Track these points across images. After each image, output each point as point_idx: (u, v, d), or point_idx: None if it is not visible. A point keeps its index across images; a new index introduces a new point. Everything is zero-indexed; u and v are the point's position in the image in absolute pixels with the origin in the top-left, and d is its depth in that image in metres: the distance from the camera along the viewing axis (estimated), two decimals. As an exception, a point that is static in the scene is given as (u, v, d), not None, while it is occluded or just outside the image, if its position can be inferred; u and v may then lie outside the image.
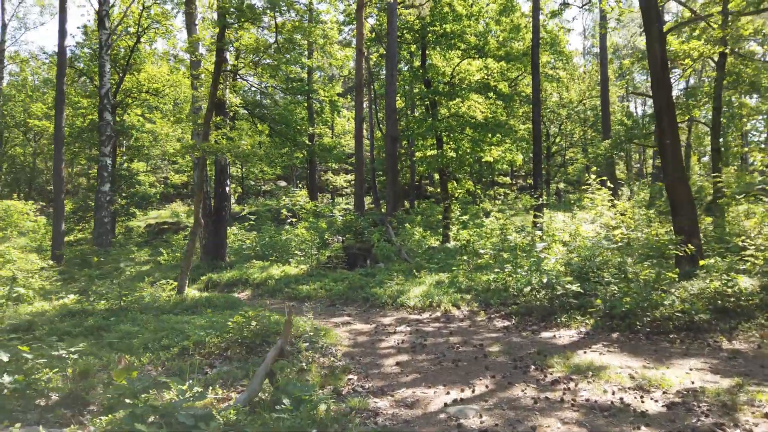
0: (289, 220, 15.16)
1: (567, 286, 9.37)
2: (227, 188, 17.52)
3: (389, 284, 12.17)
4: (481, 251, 12.24)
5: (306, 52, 32.02)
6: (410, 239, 20.53)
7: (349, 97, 41.45)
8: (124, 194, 28.78)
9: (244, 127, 32.44)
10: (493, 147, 24.65)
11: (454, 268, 13.12)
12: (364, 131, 48.74)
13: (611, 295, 9.54)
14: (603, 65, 29.15)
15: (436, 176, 48.24)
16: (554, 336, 8.37)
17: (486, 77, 24.69)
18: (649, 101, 48.03)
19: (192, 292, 13.09)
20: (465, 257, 13.25)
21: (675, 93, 36.34)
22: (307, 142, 31.76)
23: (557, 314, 9.32)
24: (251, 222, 19.74)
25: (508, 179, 39.72)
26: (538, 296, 10.18)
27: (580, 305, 9.44)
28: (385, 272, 13.59)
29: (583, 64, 41.54)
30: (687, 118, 20.30)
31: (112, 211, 28.65)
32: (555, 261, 11.29)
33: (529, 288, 10.38)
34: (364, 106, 48.74)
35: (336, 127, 43.09)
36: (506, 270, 11.39)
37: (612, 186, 25.35)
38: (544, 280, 9.39)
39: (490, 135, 24.06)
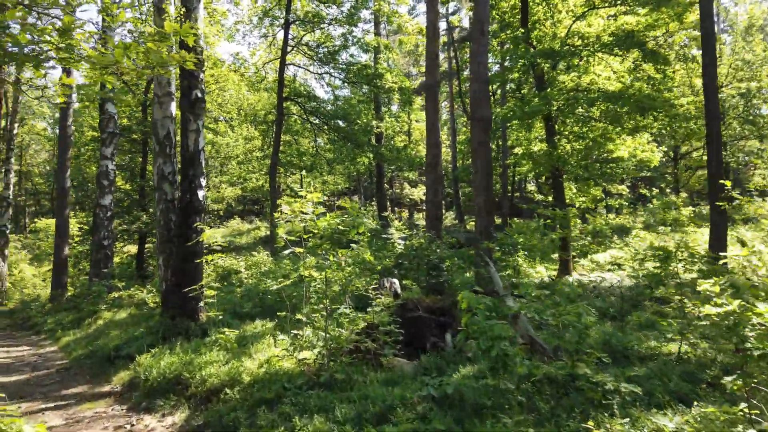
0: (290, 251, 6.63)
1: None
2: (200, 193, 9.33)
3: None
4: None
5: (372, 27, 23.79)
6: (516, 277, 11.60)
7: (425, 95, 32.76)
8: (152, 210, 21.57)
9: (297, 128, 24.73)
10: (635, 134, 15.21)
11: (702, 405, 4.05)
12: (445, 136, 39.94)
13: None
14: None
15: (529, 186, 38.44)
16: None
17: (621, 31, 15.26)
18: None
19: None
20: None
21: None
22: (372, 142, 23.47)
23: None
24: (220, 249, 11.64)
25: (623, 188, 29.44)
26: None
27: None
28: (482, 390, 4.70)
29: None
30: None
31: (138, 230, 21.52)
32: None
33: None
34: (445, 106, 39.98)
35: (414, 133, 34.52)
36: None
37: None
38: None
39: (629, 116, 14.71)
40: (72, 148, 22.33)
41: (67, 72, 15.41)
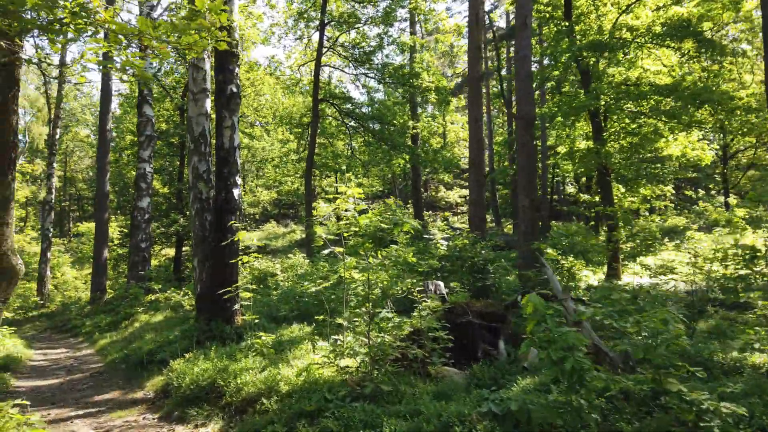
0: (329, 250, 6.12)
1: None
2: (236, 191, 8.94)
3: None
4: None
5: (407, 26, 23.28)
6: (571, 280, 10.92)
7: (461, 97, 32.05)
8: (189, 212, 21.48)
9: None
10: (689, 129, 14.34)
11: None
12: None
13: None
14: None
15: (570, 188, 37.13)
16: None
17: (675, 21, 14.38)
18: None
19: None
20: None
21: None
22: (408, 143, 22.94)
23: None
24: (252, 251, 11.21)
25: (668, 189, 28.06)
26: None
27: None
28: (551, 407, 4.06)
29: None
30: None
31: (176, 232, 21.49)
32: None
33: None
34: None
35: (449, 135, 33.82)
36: None
37: None
38: None
39: (683, 111, 13.86)
40: (113, 153, 22.50)
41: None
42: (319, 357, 6.21)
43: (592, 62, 15.80)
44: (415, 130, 23.33)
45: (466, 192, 36.85)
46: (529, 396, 4.59)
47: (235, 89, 8.86)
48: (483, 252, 9.71)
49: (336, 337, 6.45)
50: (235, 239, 8.19)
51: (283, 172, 27.74)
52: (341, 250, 6.54)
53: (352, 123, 22.54)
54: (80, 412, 6.38)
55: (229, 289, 8.23)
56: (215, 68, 8.98)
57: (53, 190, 22.07)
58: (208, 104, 9.30)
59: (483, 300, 7.43)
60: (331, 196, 6.59)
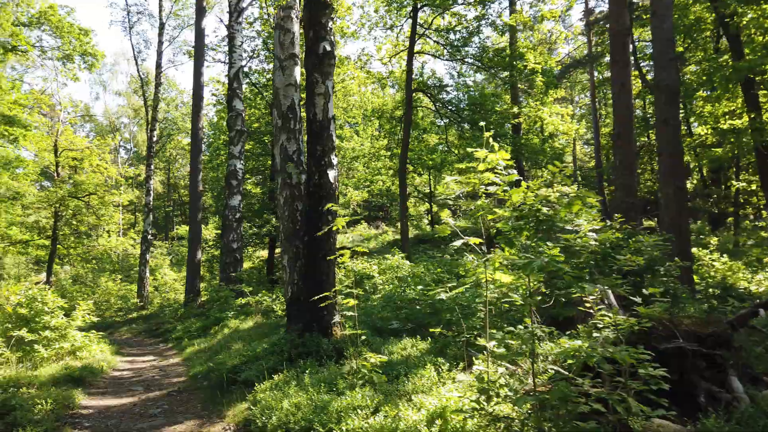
0: (461, 242, 4.08)
1: None
2: (331, 173, 7.12)
3: None
4: None
5: (507, 8, 20.88)
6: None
7: (561, 88, 28.83)
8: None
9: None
10: None
11: None
12: (583, 130, 35.49)
13: None
14: None
15: (693, 180, 32.66)
16: None
17: None
18: None
19: None
20: None
21: None
22: (509, 133, 20.53)
23: None
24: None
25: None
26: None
27: None
28: None
29: None
30: None
31: (268, 233, 20.47)
32: None
33: None
34: (580, 101, 35.10)
35: (546, 128, 30.74)
36: None
37: None
38: None
39: None
40: (208, 155, 21.88)
41: None
42: (456, 396, 4.19)
43: (745, 21, 12.75)
44: (517, 120, 20.85)
45: (567, 189, 33.40)
46: None
47: (328, 47, 7.10)
48: (644, 249, 7.27)
49: (480, 366, 4.41)
50: (333, 228, 6.39)
51: (374, 170, 26.16)
52: (478, 241, 4.51)
53: (447, 113, 20.50)
54: (140, 456, 4.80)
55: (326, 294, 6.41)
56: (304, 23, 7.27)
57: (151, 192, 21.79)
58: (298, 73, 7.62)
59: (691, 316, 5.08)
60: (463, 166, 4.62)
